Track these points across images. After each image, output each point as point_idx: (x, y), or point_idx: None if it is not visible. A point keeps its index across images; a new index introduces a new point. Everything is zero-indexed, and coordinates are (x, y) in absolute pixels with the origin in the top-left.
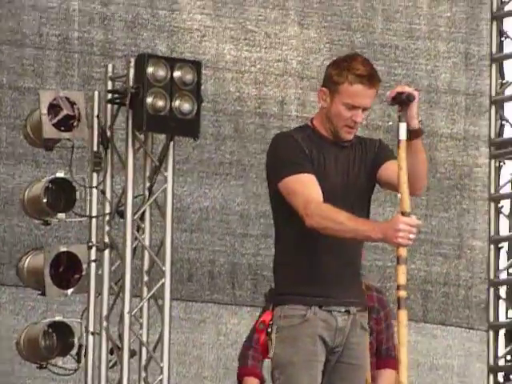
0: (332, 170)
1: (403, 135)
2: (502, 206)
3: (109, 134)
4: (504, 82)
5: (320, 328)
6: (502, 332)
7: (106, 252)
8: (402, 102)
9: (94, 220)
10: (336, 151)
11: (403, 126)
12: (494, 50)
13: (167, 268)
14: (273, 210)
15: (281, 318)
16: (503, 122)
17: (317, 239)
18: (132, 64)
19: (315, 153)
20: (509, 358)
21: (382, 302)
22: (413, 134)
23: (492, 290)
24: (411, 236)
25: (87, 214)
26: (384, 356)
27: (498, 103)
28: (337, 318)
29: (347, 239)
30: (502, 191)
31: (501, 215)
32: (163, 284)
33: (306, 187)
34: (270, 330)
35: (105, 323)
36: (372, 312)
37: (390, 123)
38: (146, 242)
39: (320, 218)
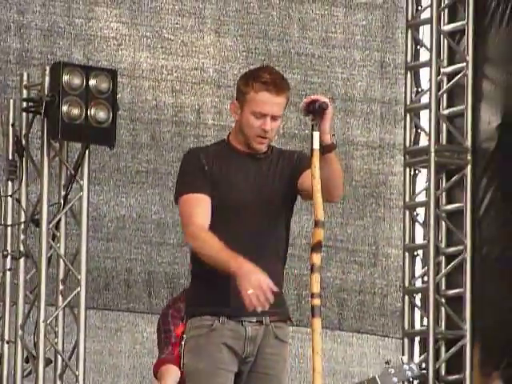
0: (241, 183)
1: (316, 144)
2: (417, 214)
3: (24, 142)
4: (420, 90)
5: (227, 337)
6: (417, 340)
7: (22, 261)
8: (315, 111)
9: (9, 228)
10: (249, 164)
11: (316, 135)
12: (409, 58)
13: (82, 277)
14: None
15: (190, 330)
16: (419, 131)
17: (229, 248)
18: (47, 72)
19: (223, 167)
20: (424, 365)
21: None
22: (325, 149)
23: (407, 297)
24: (260, 297)
25: (2, 222)
26: None
27: (413, 111)
28: (246, 328)
29: (216, 264)
30: (418, 199)
31: (416, 223)
32: (78, 293)
33: (192, 208)
34: (182, 342)
35: (20, 332)
36: None
37: (307, 131)
38: (62, 251)
39: (196, 242)
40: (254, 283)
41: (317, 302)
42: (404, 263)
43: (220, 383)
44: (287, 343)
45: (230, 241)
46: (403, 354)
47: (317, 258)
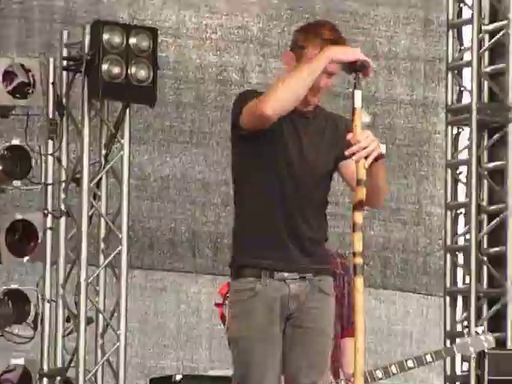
0: (288, 142)
1: (358, 103)
2: (460, 173)
3: (64, 101)
4: (462, 48)
5: (270, 299)
6: (460, 298)
7: (62, 220)
8: (357, 69)
9: (49, 187)
10: (296, 122)
11: (358, 94)
12: (451, 16)
13: (124, 236)
14: (233, 168)
15: (233, 293)
16: (461, 89)
17: (274, 202)
18: (87, 31)
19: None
20: (466, 323)
21: (344, 267)
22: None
23: (449, 256)
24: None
25: (43, 181)
26: (346, 325)
27: (456, 69)
28: (290, 285)
29: (305, 86)
30: (460, 157)
31: (459, 182)
32: (120, 252)
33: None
34: (225, 303)
35: (61, 291)
36: (335, 278)
37: (351, 90)
38: (103, 210)
39: (272, 94)
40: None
41: (359, 260)
42: (446, 222)
43: (266, 349)
44: (331, 295)
45: (270, 199)
46: (445, 313)
47: (358, 217)
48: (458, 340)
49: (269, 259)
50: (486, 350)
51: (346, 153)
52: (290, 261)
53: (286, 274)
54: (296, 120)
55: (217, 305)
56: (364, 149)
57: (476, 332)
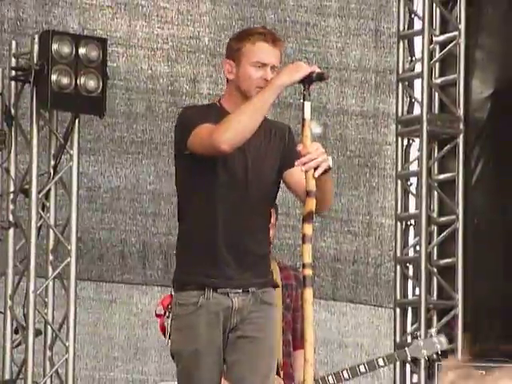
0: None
1: (308, 114)
2: (410, 184)
3: (13, 111)
4: (413, 59)
5: (213, 313)
6: (409, 310)
7: (11, 231)
8: (312, 80)
9: None
10: None
11: (308, 105)
12: (402, 27)
13: (73, 247)
14: (177, 186)
15: (176, 306)
16: (412, 100)
17: (216, 220)
18: (36, 40)
19: None
20: (417, 334)
21: (298, 280)
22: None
23: (399, 267)
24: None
25: None
26: (299, 337)
27: (406, 80)
28: (233, 299)
29: (258, 119)
30: (411, 169)
31: (409, 193)
32: (69, 263)
33: (209, 128)
34: (167, 315)
35: (9, 302)
36: (289, 289)
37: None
38: (52, 221)
39: (227, 130)
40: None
41: (308, 272)
42: (396, 233)
43: (211, 362)
44: (275, 305)
45: (212, 217)
46: (395, 325)
47: (308, 229)
48: (411, 342)
49: (211, 277)
50: (436, 357)
51: (296, 163)
52: (233, 278)
53: (228, 289)
54: None
55: (158, 316)
56: (314, 160)
57: (429, 334)
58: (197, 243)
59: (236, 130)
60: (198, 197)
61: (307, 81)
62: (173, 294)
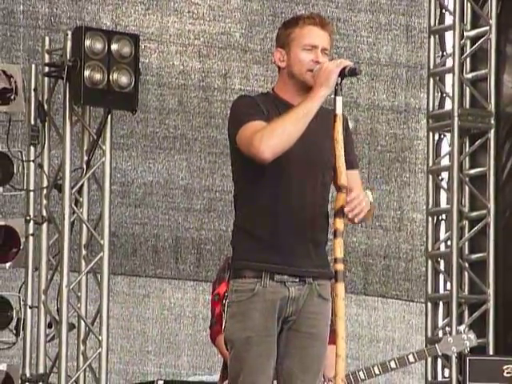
0: None
1: (339, 109)
2: (441, 179)
3: (46, 107)
4: (444, 54)
5: (269, 301)
6: (441, 304)
7: (44, 226)
8: (345, 75)
9: (31, 193)
10: None
11: (339, 100)
12: (433, 22)
13: (105, 242)
14: (234, 173)
15: (232, 292)
16: (443, 95)
17: (277, 205)
18: (69, 37)
19: (274, 116)
20: (448, 329)
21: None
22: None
23: (430, 262)
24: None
25: (25, 187)
26: (331, 332)
27: (437, 75)
28: (290, 289)
29: (302, 128)
30: (442, 163)
31: (441, 188)
32: (101, 258)
33: (253, 133)
34: (224, 302)
35: (43, 297)
36: None
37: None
38: (84, 216)
39: (269, 138)
40: (328, 66)
41: (340, 267)
42: (427, 228)
43: (262, 351)
44: (329, 300)
45: (274, 201)
46: (426, 319)
47: (340, 223)
48: (441, 339)
49: (270, 262)
50: (467, 352)
51: (345, 210)
52: (292, 264)
53: (286, 277)
54: None
55: (215, 303)
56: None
57: (458, 330)
58: (256, 229)
59: (281, 138)
60: (259, 183)
61: (339, 76)
62: (228, 280)
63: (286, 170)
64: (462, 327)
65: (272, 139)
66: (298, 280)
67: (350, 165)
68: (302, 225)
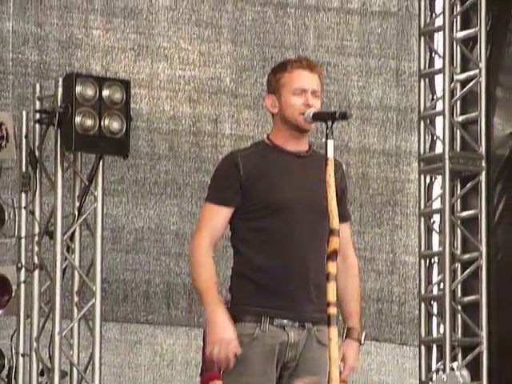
0: (285, 182)
1: (331, 153)
2: (433, 222)
3: (37, 154)
4: (434, 97)
5: (269, 345)
6: (434, 347)
7: (36, 273)
8: (335, 119)
9: (23, 241)
10: (293, 163)
11: (331, 144)
12: (423, 65)
13: (97, 288)
14: (231, 218)
15: None
16: (434, 138)
17: (276, 252)
18: (60, 83)
19: (264, 167)
20: (441, 373)
21: None
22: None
23: (423, 305)
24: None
25: (16, 234)
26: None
27: (428, 118)
28: (289, 333)
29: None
30: (434, 206)
31: (433, 231)
32: (94, 304)
33: (209, 219)
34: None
35: (35, 344)
36: None
37: (323, 140)
38: (76, 263)
39: (193, 255)
40: (221, 343)
41: (333, 310)
42: (420, 271)
43: None
44: (327, 345)
45: (270, 241)
46: (420, 362)
47: (332, 267)
48: (435, 377)
49: (270, 306)
50: None
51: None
52: (293, 308)
53: (285, 321)
54: (290, 160)
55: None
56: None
57: (451, 368)
58: (255, 273)
59: (192, 270)
60: (258, 229)
61: (330, 120)
62: None
63: (286, 216)
64: (455, 364)
65: (193, 260)
66: (297, 325)
67: (343, 218)
68: (304, 269)
